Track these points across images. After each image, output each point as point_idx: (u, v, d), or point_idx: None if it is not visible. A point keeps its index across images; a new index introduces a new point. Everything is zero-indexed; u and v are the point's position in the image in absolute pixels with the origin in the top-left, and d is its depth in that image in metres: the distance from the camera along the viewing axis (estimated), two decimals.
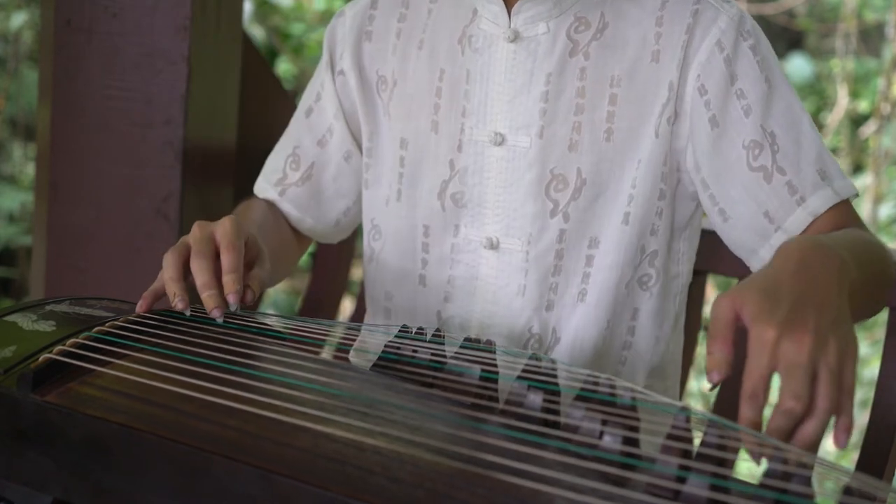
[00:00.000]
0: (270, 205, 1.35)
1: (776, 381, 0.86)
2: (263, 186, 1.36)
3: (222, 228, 1.05)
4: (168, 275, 1.03)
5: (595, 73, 1.18)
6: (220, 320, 1.01)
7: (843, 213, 1.16)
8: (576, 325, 1.21)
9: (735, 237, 1.19)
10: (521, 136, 1.19)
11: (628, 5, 1.18)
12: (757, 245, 1.18)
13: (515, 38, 1.19)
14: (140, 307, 1.04)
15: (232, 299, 1.02)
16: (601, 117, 1.18)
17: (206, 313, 1.02)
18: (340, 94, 1.31)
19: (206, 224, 1.06)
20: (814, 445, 0.81)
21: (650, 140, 1.17)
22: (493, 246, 1.21)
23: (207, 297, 1.01)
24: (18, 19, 3.98)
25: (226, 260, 1.03)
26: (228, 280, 1.02)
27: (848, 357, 0.83)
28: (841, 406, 0.81)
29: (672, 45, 1.16)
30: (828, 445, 3.66)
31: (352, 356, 1.29)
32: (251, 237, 1.09)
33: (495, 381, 0.91)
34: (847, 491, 0.72)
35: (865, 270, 0.97)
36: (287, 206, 1.35)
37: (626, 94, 1.17)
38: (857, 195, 1.18)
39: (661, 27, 1.17)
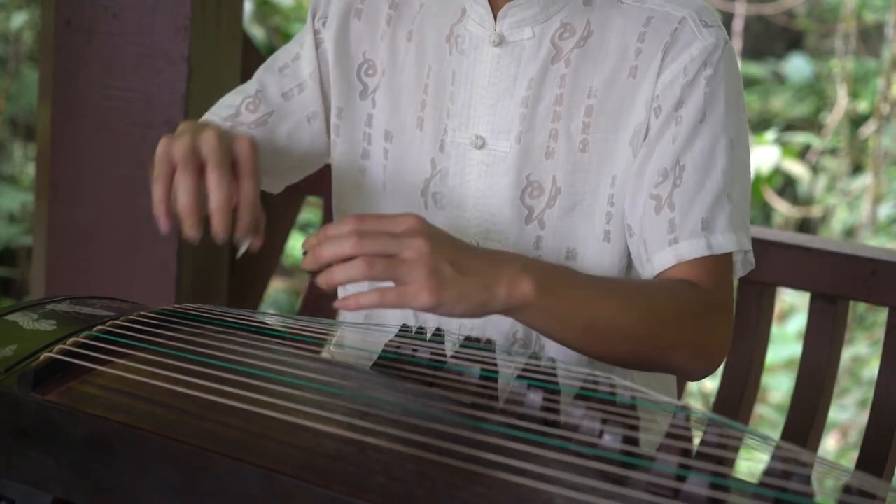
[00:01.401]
0: None
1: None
2: (210, 119, 1.30)
3: (242, 147, 1.01)
4: (184, 201, 0.97)
5: (574, 81, 1.17)
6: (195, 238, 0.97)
7: (711, 269, 1.13)
8: None
9: (632, 253, 1.19)
10: (502, 141, 1.19)
11: (615, 15, 1.17)
12: (639, 268, 1.17)
13: (501, 42, 1.18)
14: (164, 227, 0.99)
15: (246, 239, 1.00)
16: (577, 127, 1.17)
17: (206, 313, 1.02)
18: (321, 60, 1.28)
19: (218, 128, 1.02)
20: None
21: (626, 158, 1.16)
22: None
23: (219, 221, 0.97)
24: (18, 19, 3.98)
25: (245, 193, 0.99)
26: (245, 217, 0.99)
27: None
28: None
29: (649, 63, 1.15)
30: (828, 445, 3.66)
31: (332, 350, 1.27)
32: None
33: (495, 380, 0.91)
34: (847, 489, 0.72)
35: (589, 303, 1.03)
36: None
37: (601, 107, 1.17)
38: (736, 249, 1.13)
39: (643, 43, 1.16)
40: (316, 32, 1.29)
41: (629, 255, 1.20)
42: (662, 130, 1.15)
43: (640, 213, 1.15)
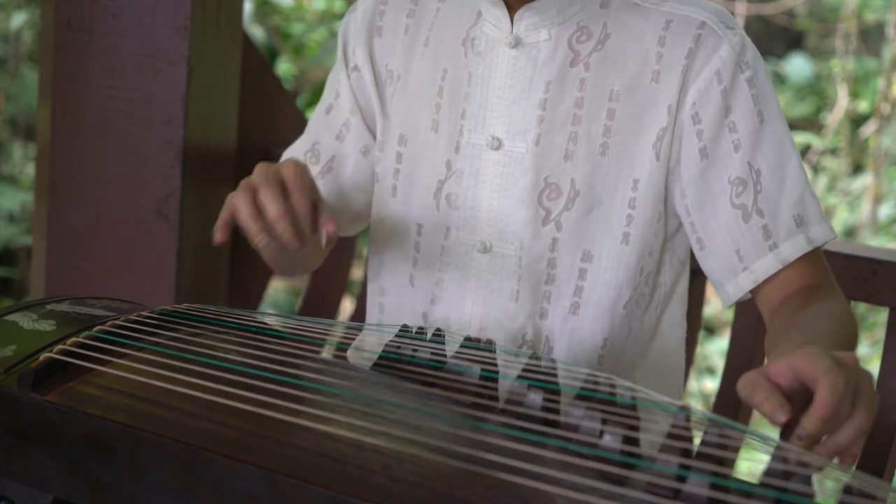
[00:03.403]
0: None
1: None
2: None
3: (287, 169, 1.05)
4: (245, 213, 1.02)
5: (595, 85, 1.17)
6: (293, 247, 1.02)
7: (812, 263, 1.17)
8: (569, 339, 1.21)
9: (708, 266, 1.20)
10: (518, 142, 1.19)
11: (631, 17, 1.18)
12: (724, 279, 1.19)
13: (517, 43, 1.19)
14: (217, 238, 1.03)
15: (322, 233, 1.03)
16: (598, 130, 1.17)
17: (206, 313, 1.02)
18: (356, 90, 1.31)
19: (269, 164, 1.06)
20: (839, 453, 0.83)
21: (650, 162, 1.17)
22: (487, 249, 1.21)
23: (283, 229, 1.01)
24: (18, 19, 3.99)
25: (297, 203, 1.03)
26: (304, 225, 1.03)
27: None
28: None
29: (672, 67, 1.16)
30: None
31: (349, 355, 1.29)
32: (311, 179, 1.08)
33: (495, 380, 0.91)
34: (847, 490, 0.72)
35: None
36: None
37: (623, 110, 1.17)
38: (833, 238, 1.18)
39: (664, 48, 1.16)
40: (347, 62, 1.31)
41: (645, 258, 1.20)
42: (717, 140, 1.16)
43: (725, 225, 1.16)
